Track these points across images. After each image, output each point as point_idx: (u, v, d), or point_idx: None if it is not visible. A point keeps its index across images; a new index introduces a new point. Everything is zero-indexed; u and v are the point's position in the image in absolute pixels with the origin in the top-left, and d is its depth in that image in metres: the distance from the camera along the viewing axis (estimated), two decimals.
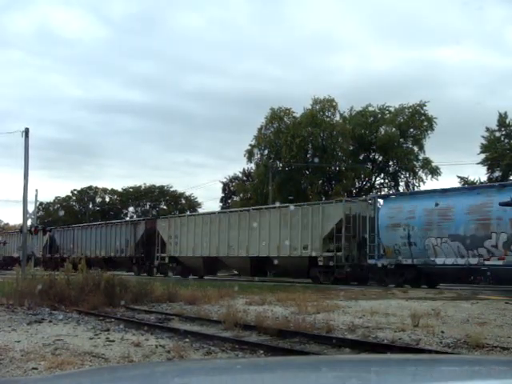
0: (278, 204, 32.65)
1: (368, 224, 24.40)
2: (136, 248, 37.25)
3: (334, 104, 46.69)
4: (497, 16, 71.34)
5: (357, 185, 48.48)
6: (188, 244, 33.04)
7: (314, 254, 26.31)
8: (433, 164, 45.87)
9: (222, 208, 53.44)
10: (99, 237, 41.26)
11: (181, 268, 33.58)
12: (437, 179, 46.04)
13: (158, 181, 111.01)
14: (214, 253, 31.18)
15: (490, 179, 39.30)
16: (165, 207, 74.74)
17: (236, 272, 34.89)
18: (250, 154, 48.33)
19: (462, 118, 68.87)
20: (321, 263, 25.82)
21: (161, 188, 76.18)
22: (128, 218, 46.51)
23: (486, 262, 20.57)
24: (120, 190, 77.85)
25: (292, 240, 27.14)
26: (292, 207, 28.26)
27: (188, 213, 55.13)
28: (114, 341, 9.11)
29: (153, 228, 36.12)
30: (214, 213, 34.30)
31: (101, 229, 42.08)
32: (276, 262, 26.86)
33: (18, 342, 8.90)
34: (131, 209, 78.80)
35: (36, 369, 6.88)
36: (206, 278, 32.55)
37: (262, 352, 8.63)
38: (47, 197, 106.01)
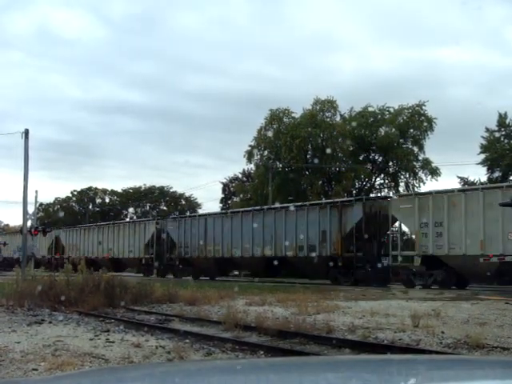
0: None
1: None
2: (344, 243, 25.52)
3: (335, 105, 46.75)
4: (496, 16, 71.36)
5: (357, 185, 48.46)
6: (468, 235, 21.14)
7: None
8: (433, 164, 45.85)
9: (222, 209, 53.18)
10: (261, 228, 28.87)
11: (444, 273, 22.19)
12: (437, 180, 46.02)
13: (157, 181, 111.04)
14: None
15: (490, 179, 39.31)
16: (165, 208, 74.72)
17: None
18: (249, 155, 48.30)
19: (462, 118, 68.87)
20: None
21: (161, 189, 76.16)
22: (323, 200, 31.38)
23: None
24: (120, 190, 77.88)
25: None
26: None
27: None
28: (114, 342, 9.11)
29: (379, 212, 25.20)
30: None
31: (264, 216, 29.51)
32: None
33: (18, 343, 8.90)
34: (131, 210, 78.87)
35: (36, 370, 6.88)
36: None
37: (262, 353, 8.64)
38: (47, 198, 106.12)
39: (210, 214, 34.00)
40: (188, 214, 48.20)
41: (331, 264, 25.41)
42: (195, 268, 32.88)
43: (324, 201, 29.45)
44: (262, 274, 30.17)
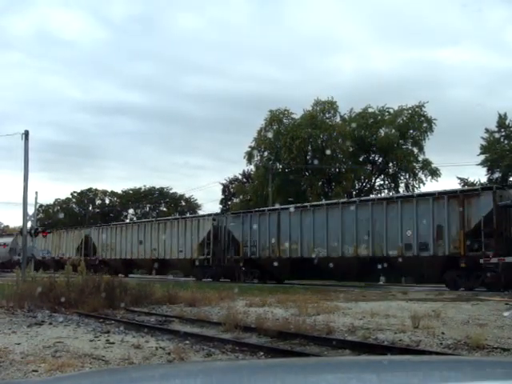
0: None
1: None
2: (466, 240, 21.47)
3: (335, 106, 46.77)
4: (496, 17, 71.47)
5: (356, 186, 48.48)
6: None
7: None
8: (432, 165, 45.89)
9: (222, 211, 53.20)
10: (353, 223, 24.86)
11: None
12: (436, 180, 46.05)
13: (157, 182, 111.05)
14: None
15: (489, 180, 39.32)
16: (165, 209, 74.73)
17: None
18: (249, 156, 48.35)
19: (462, 119, 69.01)
20: None
21: (161, 190, 76.18)
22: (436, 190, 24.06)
23: None
24: (120, 192, 77.93)
25: None
26: None
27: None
28: (114, 343, 9.10)
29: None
30: None
31: (357, 209, 24.90)
32: None
33: (19, 344, 8.88)
34: (131, 211, 78.89)
35: (36, 371, 6.87)
36: None
37: (262, 354, 8.63)
38: (47, 199, 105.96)
39: (283, 209, 29.25)
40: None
41: (449, 265, 21.68)
42: (263, 270, 29.20)
43: (439, 190, 24.46)
44: (354, 276, 26.11)
